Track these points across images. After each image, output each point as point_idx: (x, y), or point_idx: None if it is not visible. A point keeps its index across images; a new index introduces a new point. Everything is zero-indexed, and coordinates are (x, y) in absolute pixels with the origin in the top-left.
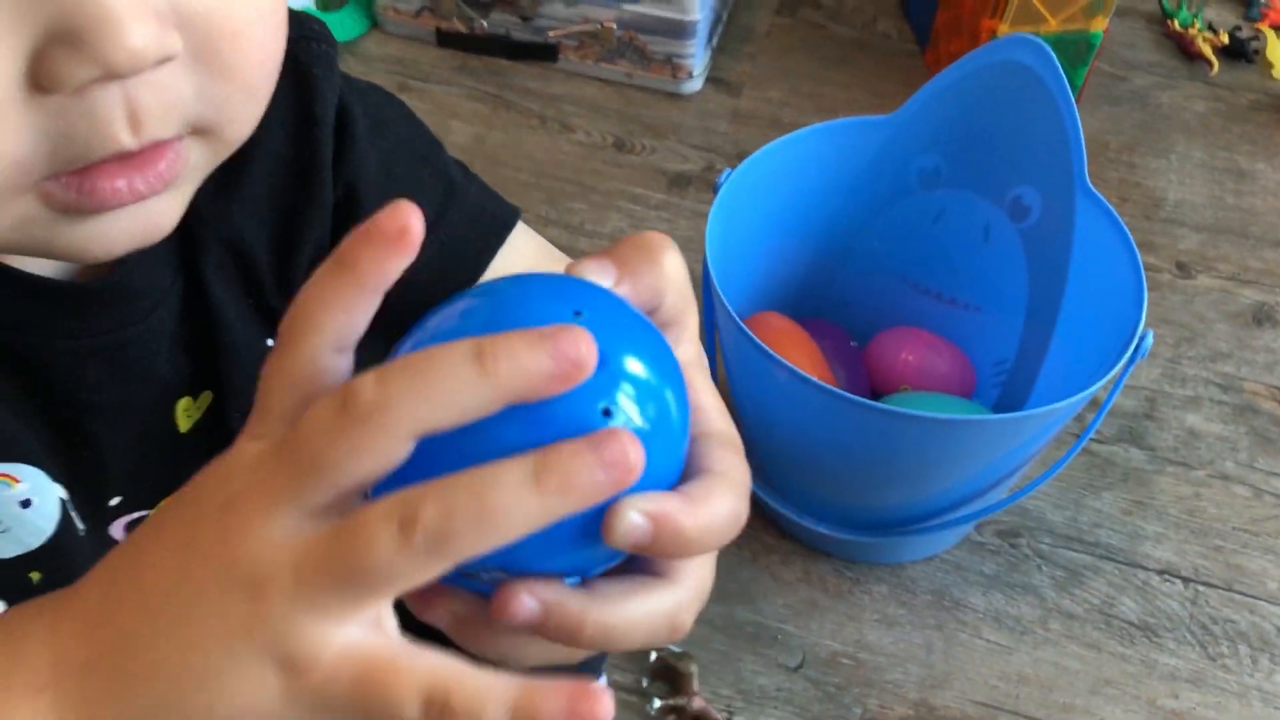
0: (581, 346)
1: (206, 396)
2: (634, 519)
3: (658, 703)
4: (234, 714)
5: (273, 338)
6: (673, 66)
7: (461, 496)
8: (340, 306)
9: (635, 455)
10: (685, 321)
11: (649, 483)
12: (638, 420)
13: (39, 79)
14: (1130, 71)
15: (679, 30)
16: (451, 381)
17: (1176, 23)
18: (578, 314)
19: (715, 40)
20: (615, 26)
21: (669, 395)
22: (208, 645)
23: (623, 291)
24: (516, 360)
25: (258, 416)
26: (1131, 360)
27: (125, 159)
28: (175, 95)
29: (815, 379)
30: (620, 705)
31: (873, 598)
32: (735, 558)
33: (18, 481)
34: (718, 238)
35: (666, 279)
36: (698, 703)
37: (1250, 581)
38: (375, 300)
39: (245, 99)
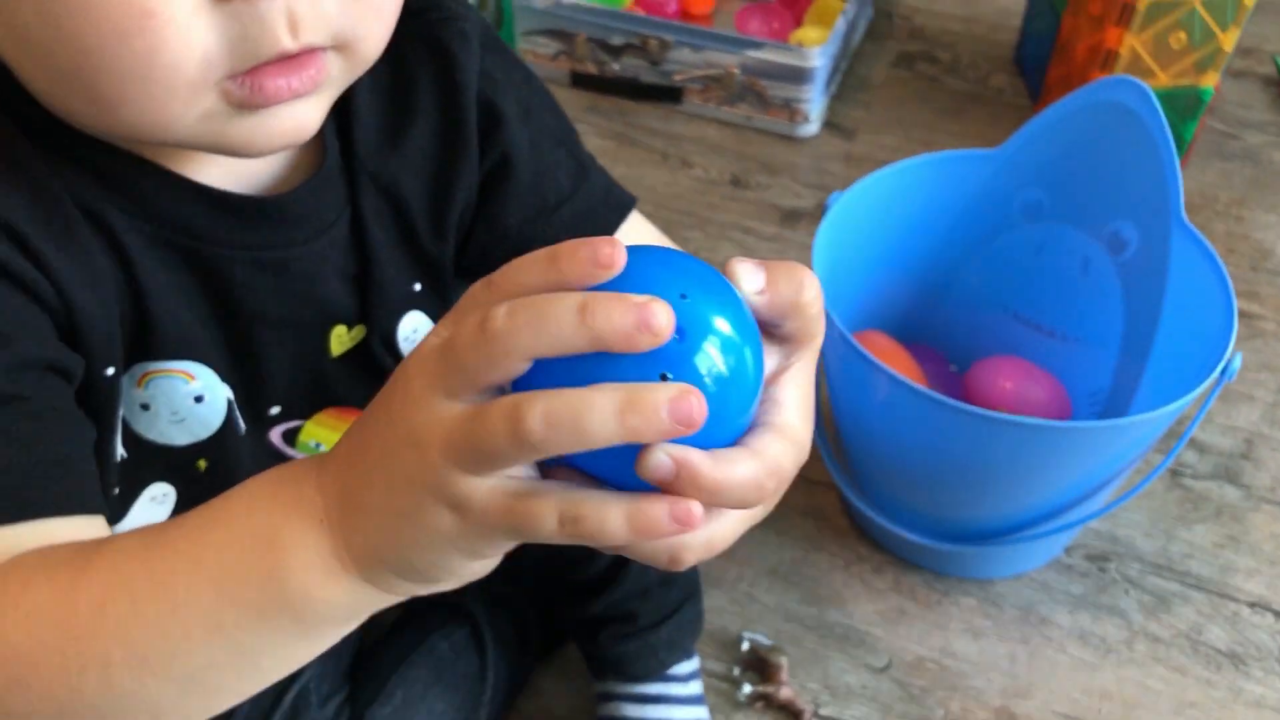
0: (660, 318)
1: (360, 330)
2: (661, 458)
3: (747, 688)
4: (430, 542)
5: (420, 283)
6: (790, 110)
7: (562, 409)
8: (537, 284)
9: (699, 411)
10: (806, 343)
11: (701, 439)
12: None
13: None
14: (1243, 130)
15: (798, 76)
16: (558, 324)
17: None
18: (683, 296)
19: (833, 88)
20: (738, 71)
21: (737, 375)
22: (399, 488)
23: (762, 299)
24: (610, 317)
25: (451, 316)
26: (1220, 380)
27: (284, 63)
28: (324, 8)
29: (916, 384)
30: (713, 692)
31: (960, 609)
32: (829, 564)
33: (193, 379)
34: (824, 254)
35: (801, 302)
36: (785, 692)
37: None
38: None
39: (375, 19)
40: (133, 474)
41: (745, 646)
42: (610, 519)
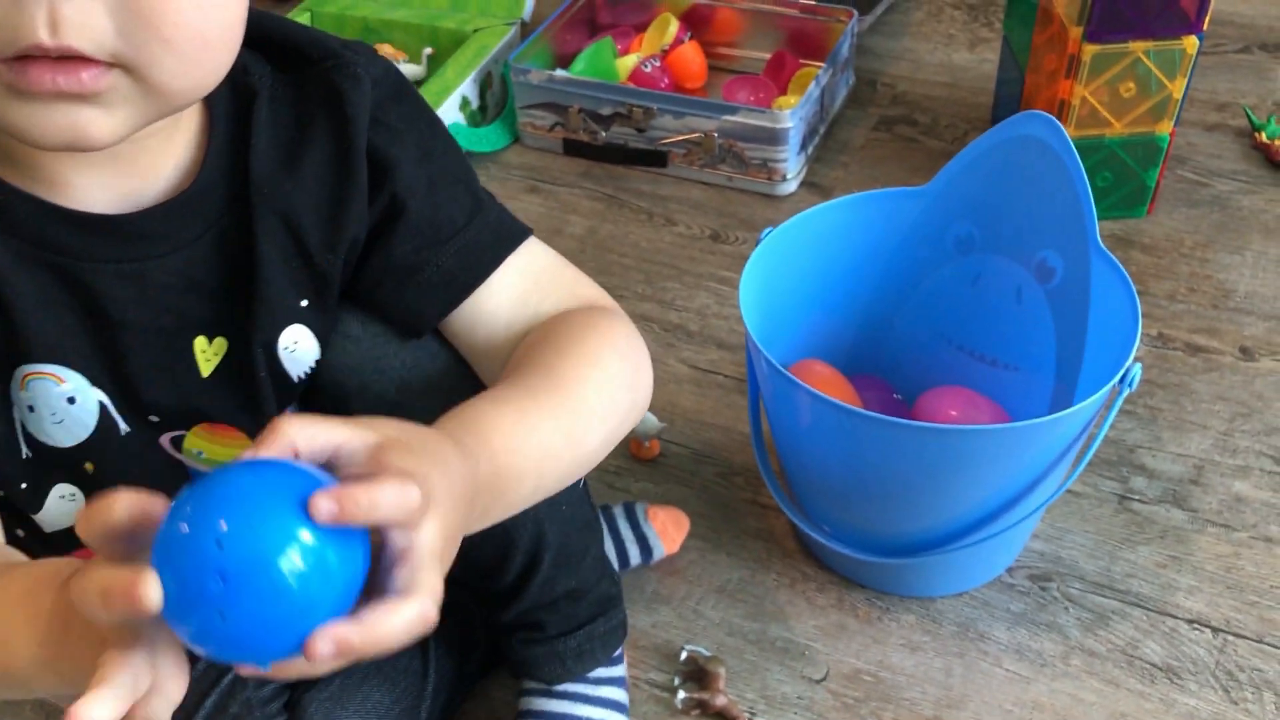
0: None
1: (221, 343)
2: (324, 647)
3: (682, 695)
4: None
5: (307, 299)
6: (768, 170)
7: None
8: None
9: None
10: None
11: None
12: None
13: None
14: (1214, 178)
15: (773, 137)
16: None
17: (1264, 135)
18: (219, 545)
19: (812, 150)
20: (717, 135)
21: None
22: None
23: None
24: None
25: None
26: (1121, 388)
27: (54, 63)
28: (93, 21)
29: (832, 399)
30: (652, 701)
31: (900, 625)
32: (775, 583)
33: (63, 381)
34: (754, 285)
35: (377, 520)
36: (721, 700)
37: None
38: None
39: (163, 49)
40: (38, 472)
41: (684, 655)
42: None
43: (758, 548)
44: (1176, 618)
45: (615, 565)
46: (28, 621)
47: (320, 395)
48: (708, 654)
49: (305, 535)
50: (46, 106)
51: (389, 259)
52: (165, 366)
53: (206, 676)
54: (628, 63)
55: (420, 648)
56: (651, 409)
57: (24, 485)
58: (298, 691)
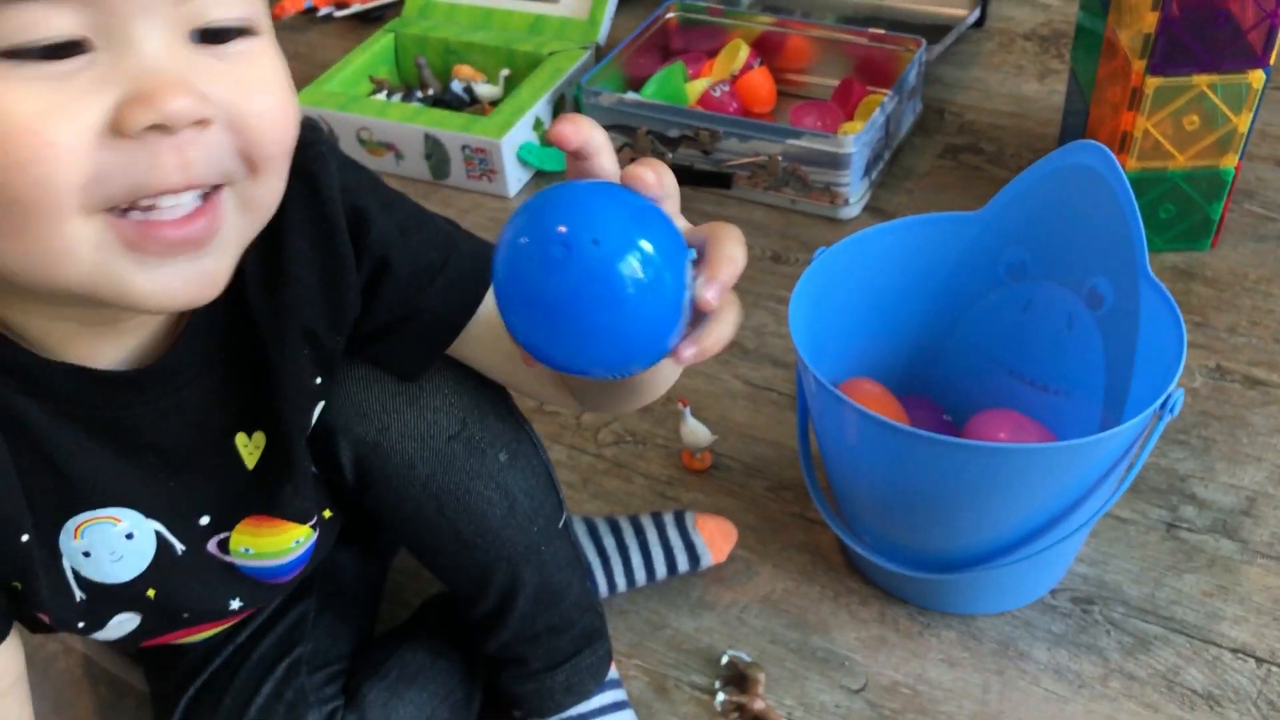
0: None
1: (260, 437)
2: (689, 352)
3: (722, 697)
4: None
5: (320, 377)
6: (831, 194)
7: None
8: None
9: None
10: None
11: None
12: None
13: (116, 125)
14: None
15: (836, 162)
16: None
17: None
18: (595, 242)
19: (876, 176)
20: (781, 158)
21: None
22: None
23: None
24: None
25: None
26: (1163, 414)
27: (183, 220)
28: (215, 151)
29: (877, 414)
30: (692, 702)
31: (940, 640)
32: (819, 595)
33: (119, 520)
34: (804, 303)
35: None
36: (760, 704)
37: None
38: None
39: (267, 164)
40: (95, 610)
41: (724, 660)
42: None
43: (803, 560)
44: (1220, 646)
45: (663, 572)
46: None
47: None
48: (749, 659)
49: (647, 246)
50: (172, 265)
51: (379, 315)
52: (213, 471)
53: (260, 665)
54: (698, 87)
55: (472, 648)
56: (705, 422)
57: (81, 624)
58: (356, 679)
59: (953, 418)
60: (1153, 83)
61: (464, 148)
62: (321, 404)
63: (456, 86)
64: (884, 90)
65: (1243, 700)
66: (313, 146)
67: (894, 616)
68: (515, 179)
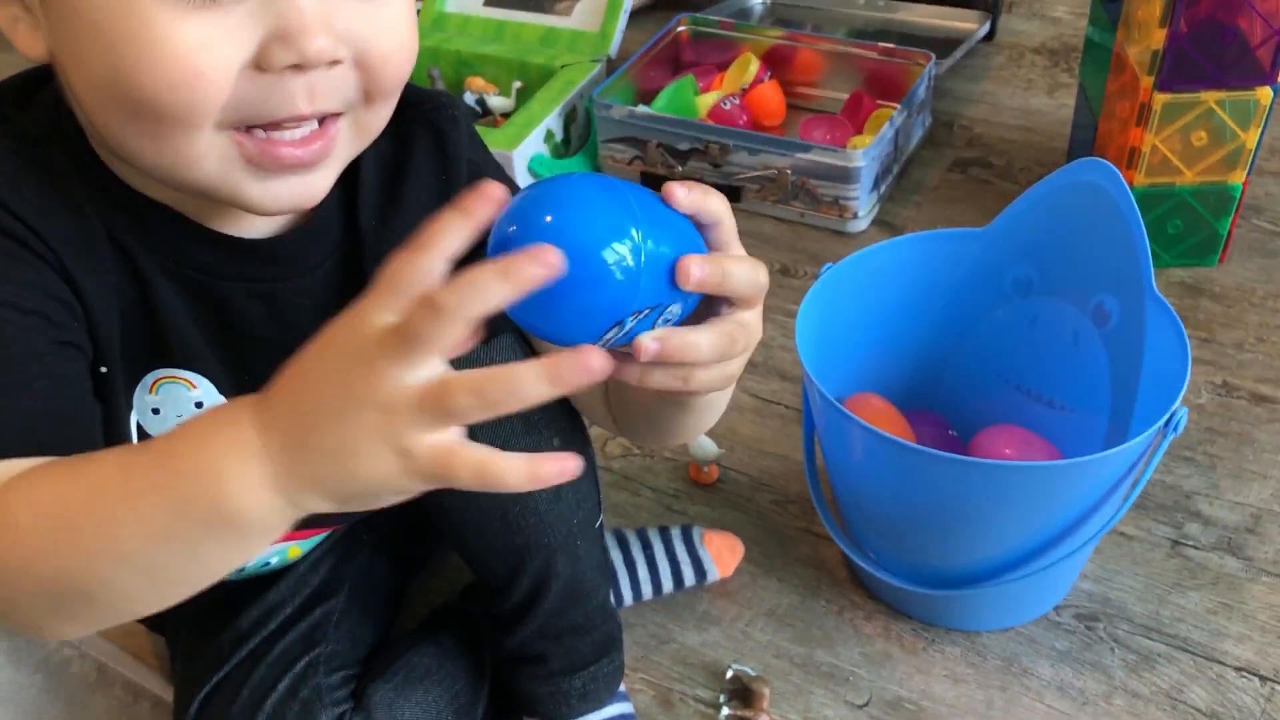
0: (553, 258)
1: None
2: (649, 344)
3: (726, 711)
4: (370, 477)
5: None
6: (840, 208)
7: (492, 385)
8: (456, 235)
9: (593, 365)
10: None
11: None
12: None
13: (259, 62)
14: None
15: (844, 176)
16: (488, 290)
17: None
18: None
19: (885, 190)
20: (790, 172)
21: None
22: (357, 436)
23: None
24: (523, 271)
25: (390, 292)
26: (1167, 431)
27: (300, 141)
28: (340, 85)
29: (882, 431)
30: (697, 715)
31: (944, 656)
32: (824, 610)
33: (194, 386)
34: (811, 318)
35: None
36: (764, 718)
37: None
38: (475, 234)
39: (383, 97)
40: None
41: (729, 674)
42: (510, 473)
43: (808, 574)
44: (1224, 664)
45: (670, 587)
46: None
47: None
48: (753, 673)
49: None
50: (281, 180)
51: None
52: None
53: (280, 661)
54: (708, 100)
55: (478, 646)
56: (712, 435)
57: None
58: (363, 681)
59: (958, 433)
60: (1161, 99)
61: None
62: None
63: (469, 98)
64: (893, 104)
65: (1246, 718)
66: (446, 109)
67: (899, 632)
68: None
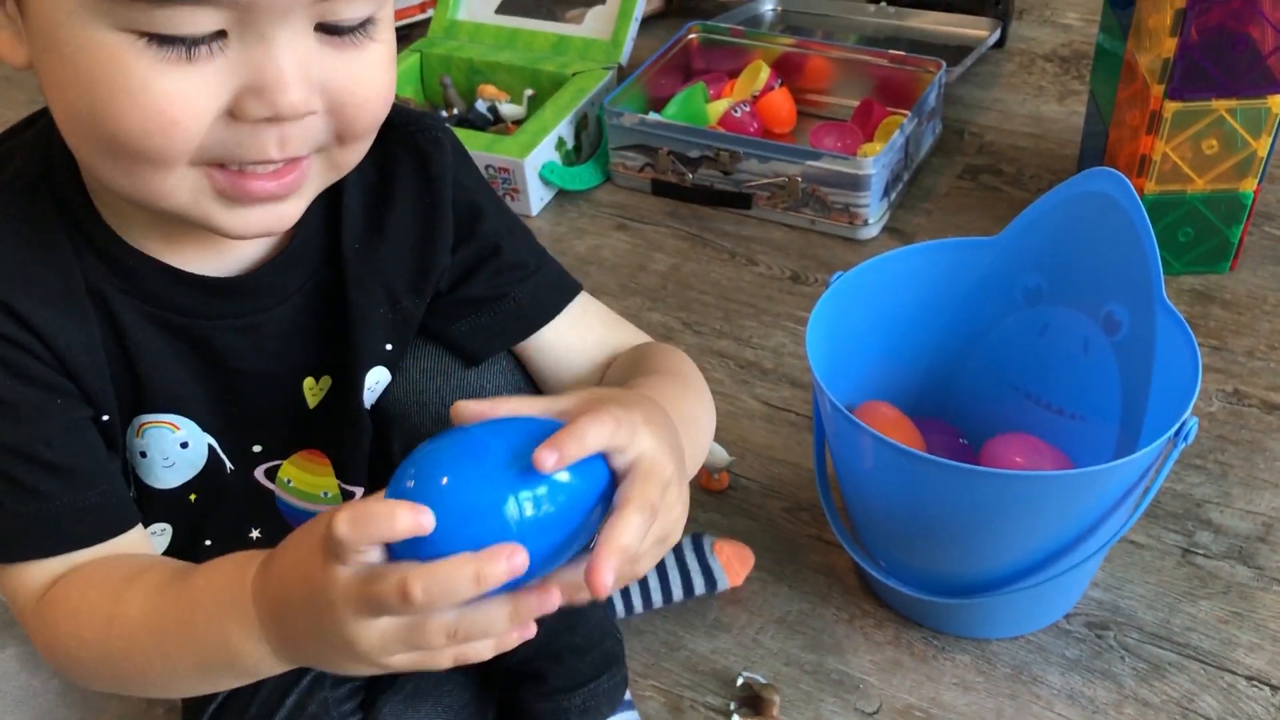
0: (519, 560)
1: (326, 381)
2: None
3: (737, 718)
4: (337, 651)
5: (391, 343)
6: (850, 215)
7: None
8: (400, 534)
9: (522, 564)
10: (632, 452)
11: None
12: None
13: (233, 111)
14: None
15: (854, 183)
16: (460, 591)
17: None
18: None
19: (895, 197)
20: (800, 179)
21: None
22: (326, 630)
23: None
24: (494, 573)
25: (350, 552)
26: (1177, 441)
27: (270, 175)
28: (312, 132)
29: (892, 440)
30: None
31: (954, 665)
32: (834, 618)
33: (178, 428)
34: (821, 327)
35: (594, 447)
36: None
37: None
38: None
39: (356, 140)
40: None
41: (740, 682)
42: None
43: (819, 582)
44: (1235, 673)
45: (680, 595)
46: (237, 609)
47: None
48: (764, 681)
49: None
50: (251, 209)
51: (476, 289)
52: (277, 405)
53: (286, 676)
54: (719, 107)
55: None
56: (722, 443)
57: None
58: (373, 692)
59: (969, 441)
60: (1171, 107)
61: (488, 167)
62: (388, 377)
63: (481, 106)
64: (904, 111)
65: None
66: (429, 131)
67: (909, 640)
68: (538, 198)
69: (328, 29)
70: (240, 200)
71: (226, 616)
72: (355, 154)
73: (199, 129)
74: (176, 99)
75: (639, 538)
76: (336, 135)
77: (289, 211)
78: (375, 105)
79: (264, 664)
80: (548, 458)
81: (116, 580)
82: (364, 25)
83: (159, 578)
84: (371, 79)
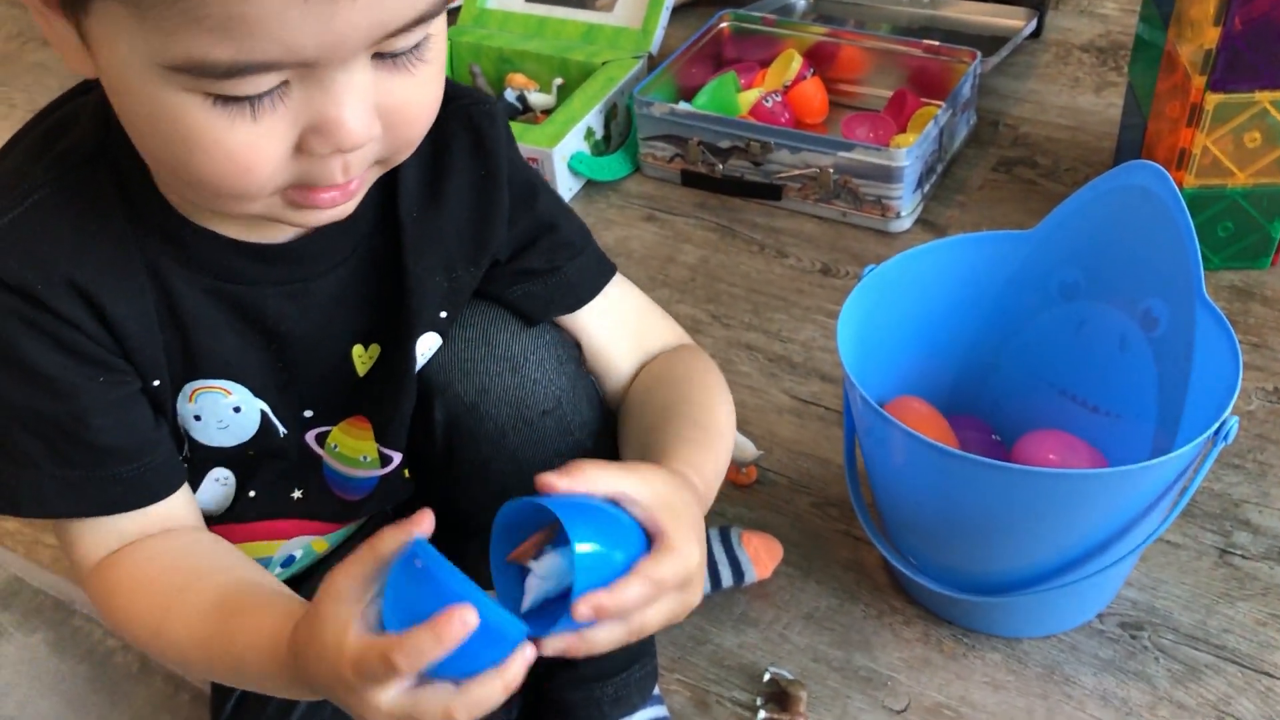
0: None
1: (375, 349)
2: (583, 610)
3: (763, 714)
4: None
5: (445, 310)
6: (882, 207)
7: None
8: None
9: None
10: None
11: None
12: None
13: (300, 146)
14: None
15: (888, 175)
16: (492, 704)
17: None
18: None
19: (929, 189)
20: (832, 171)
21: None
22: (337, 692)
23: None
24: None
25: (364, 622)
26: (1216, 440)
27: (329, 190)
28: (371, 153)
29: (924, 436)
30: (733, 718)
31: (985, 663)
32: (863, 614)
33: (230, 393)
34: (852, 321)
35: (614, 495)
36: None
37: None
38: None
39: (409, 147)
40: (196, 468)
41: (767, 678)
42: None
43: (848, 578)
44: (1273, 676)
45: (707, 587)
46: (270, 659)
47: None
48: (791, 677)
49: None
50: (318, 212)
51: (532, 261)
52: (327, 372)
53: None
54: (750, 97)
55: None
56: (751, 437)
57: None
58: None
59: (1002, 438)
60: (1213, 99)
61: None
62: (439, 343)
63: (510, 95)
64: (938, 102)
65: None
66: (482, 105)
67: (938, 637)
68: (566, 188)
69: (383, 55)
70: (309, 208)
71: (266, 675)
72: (410, 152)
73: (272, 171)
74: (248, 151)
75: (635, 603)
76: (393, 148)
77: (349, 208)
78: (427, 116)
79: (298, 696)
80: (585, 613)
81: (161, 592)
82: (417, 47)
83: (203, 603)
84: (423, 98)
